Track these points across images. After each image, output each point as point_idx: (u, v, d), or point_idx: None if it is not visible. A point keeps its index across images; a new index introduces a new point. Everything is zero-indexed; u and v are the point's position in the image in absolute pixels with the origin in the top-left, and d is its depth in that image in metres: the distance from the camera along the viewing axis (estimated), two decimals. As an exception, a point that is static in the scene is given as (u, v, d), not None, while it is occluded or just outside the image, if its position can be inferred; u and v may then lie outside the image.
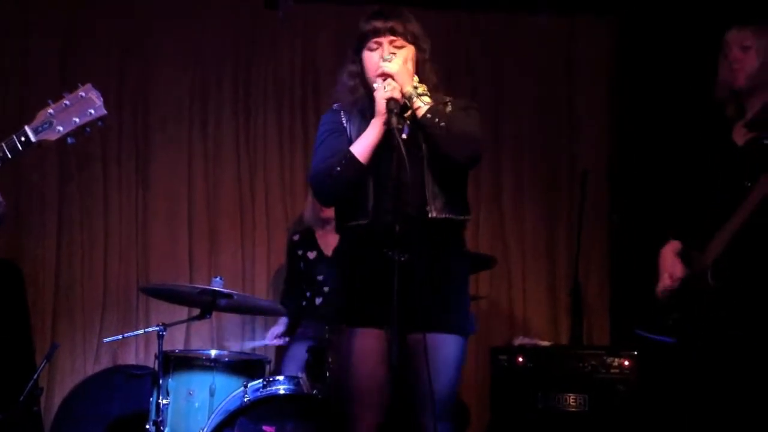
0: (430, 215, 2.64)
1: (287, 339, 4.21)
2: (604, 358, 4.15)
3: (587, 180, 4.80)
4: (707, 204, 2.92)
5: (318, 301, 4.16)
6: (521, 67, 5.03)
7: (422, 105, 2.65)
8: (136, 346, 4.59)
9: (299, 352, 3.87)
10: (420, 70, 2.75)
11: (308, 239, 4.31)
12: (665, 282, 3.05)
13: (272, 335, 4.22)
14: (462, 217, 2.73)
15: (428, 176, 2.66)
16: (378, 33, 2.73)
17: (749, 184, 2.80)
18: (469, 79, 4.93)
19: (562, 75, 5.06)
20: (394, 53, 2.69)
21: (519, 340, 4.62)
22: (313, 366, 3.60)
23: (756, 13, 3.62)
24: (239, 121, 4.85)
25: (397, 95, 2.63)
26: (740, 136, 2.93)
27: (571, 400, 4.15)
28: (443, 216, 2.66)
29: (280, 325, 4.24)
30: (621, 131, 5.01)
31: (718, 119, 3.02)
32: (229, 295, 3.62)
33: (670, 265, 3.04)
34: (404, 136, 2.63)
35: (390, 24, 2.73)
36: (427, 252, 2.63)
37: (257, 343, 4.45)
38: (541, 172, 5.05)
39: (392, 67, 2.65)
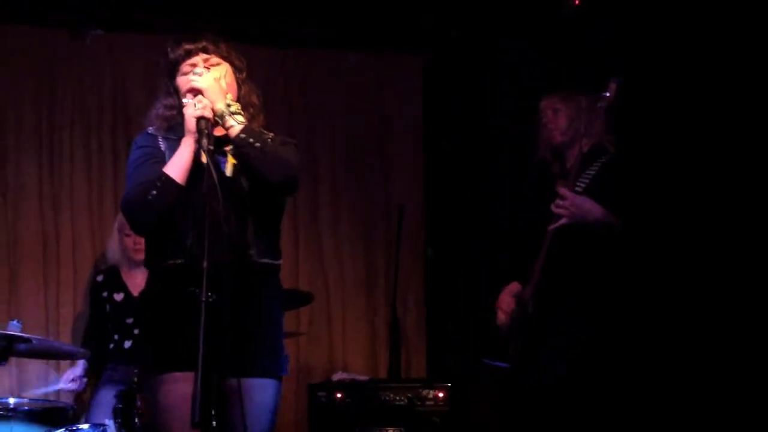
0: (252, 259, 2.54)
1: (84, 382, 3.97)
2: (420, 390, 4.22)
3: (403, 215, 4.88)
4: (537, 247, 3.27)
5: (127, 344, 3.98)
6: (334, 103, 5.04)
7: (235, 124, 2.53)
8: None
9: (106, 398, 3.68)
10: (238, 89, 2.66)
11: (114, 279, 4.11)
12: (500, 317, 3.42)
13: (67, 379, 3.94)
14: (278, 262, 2.66)
15: (250, 217, 2.56)
16: (190, 54, 2.63)
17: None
18: (283, 116, 4.87)
19: (375, 111, 5.11)
20: (207, 68, 2.59)
21: (338, 376, 4.61)
22: (122, 412, 3.44)
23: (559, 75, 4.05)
24: (42, 153, 4.56)
25: (208, 114, 2.50)
26: (560, 187, 3.27)
27: (389, 434, 4.18)
28: (263, 260, 2.57)
29: (77, 368, 3.96)
30: (434, 166, 5.13)
31: (542, 172, 3.44)
32: (28, 340, 3.37)
33: (504, 302, 3.42)
34: (228, 173, 2.54)
35: (202, 44, 2.64)
36: (242, 295, 2.52)
37: (50, 388, 4.16)
38: (359, 207, 5.07)
39: (202, 81, 2.53)
